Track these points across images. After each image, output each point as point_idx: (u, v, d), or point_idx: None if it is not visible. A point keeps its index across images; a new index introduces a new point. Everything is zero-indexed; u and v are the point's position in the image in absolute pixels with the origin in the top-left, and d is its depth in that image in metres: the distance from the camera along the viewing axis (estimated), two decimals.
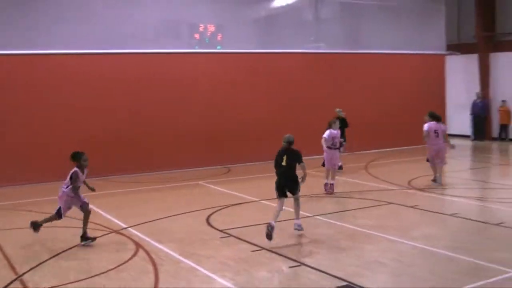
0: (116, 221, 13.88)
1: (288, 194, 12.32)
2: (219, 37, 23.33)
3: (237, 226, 13.19)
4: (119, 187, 18.70)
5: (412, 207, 14.88)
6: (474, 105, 29.85)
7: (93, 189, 12.29)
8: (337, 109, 21.16)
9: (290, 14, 25.47)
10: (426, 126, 18.00)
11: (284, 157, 12.21)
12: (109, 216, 14.31)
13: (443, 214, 14.27)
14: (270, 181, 12.09)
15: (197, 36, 22.95)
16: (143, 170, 21.02)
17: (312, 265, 10.21)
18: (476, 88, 30.26)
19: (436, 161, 17.90)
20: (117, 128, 20.79)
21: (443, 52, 28.61)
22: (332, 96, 24.79)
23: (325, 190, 17.05)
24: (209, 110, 22.44)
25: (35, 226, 11.99)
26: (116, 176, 20.36)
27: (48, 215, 12.16)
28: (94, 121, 20.43)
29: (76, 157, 11.92)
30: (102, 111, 20.58)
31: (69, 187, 11.76)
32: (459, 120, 29.90)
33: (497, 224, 12.96)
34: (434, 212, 14.43)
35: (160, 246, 11.65)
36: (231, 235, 12.37)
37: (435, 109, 27.21)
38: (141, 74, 21.28)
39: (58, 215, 11.85)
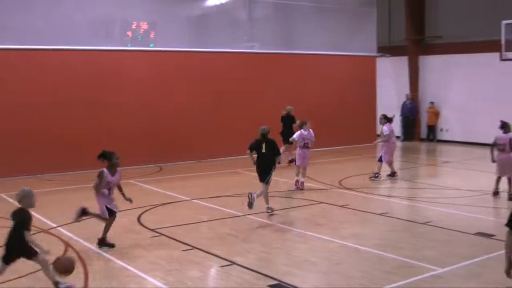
0: (44, 220, 13.61)
1: None
2: (152, 35, 23.14)
3: (168, 225, 13.12)
4: (48, 186, 18.30)
5: (342, 206, 15.08)
6: (404, 107, 30.44)
7: (129, 200, 11.75)
8: (288, 107, 21.56)
9: (223, 13, 25.47)
10: (387, 128, 19.15)
11: (263, 145, 14.00)
12: (37, 215, 14.01)
13: (373, 213, 14.50)
14: (202, 180, 12.13)
15: (129, 33, 22.70)
16: (72, 169, 20.63)
17: (244, 265, 10.24)
18: (406, 90, 30.89)
19: (392, 158, 19.04)
20: (46, 126, 20.35)
21: (374, 54, 29.08)
22: (265, 95, 24.94)
23: (296, 186, 17.47)
24: (141, 109, 22.21)
25: (83, 212, 11.53)
26: (45, 174, 19.94)
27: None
28: (18, 117, 19.90)
29: (107, 156, 11.65)
30: (28, 108, 20.09)
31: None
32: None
33: (425, 223, 13.26)
34: (364, 211, 14.67)
35: (90, 246, 11.50)
36: (162, 235, 12.30)
37: (366, 110, 27.89)
38: (71, 71, 20.89)
39: (104, 217, 11.52)
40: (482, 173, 19.39)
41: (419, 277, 9.64)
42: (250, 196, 13.64)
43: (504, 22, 22.36)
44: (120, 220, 13.09)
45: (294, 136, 17.91)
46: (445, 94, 29.57)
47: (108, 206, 11.46)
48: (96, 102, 21.30)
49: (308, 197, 16.23)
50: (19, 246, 8.65)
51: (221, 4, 25.63)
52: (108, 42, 22.15)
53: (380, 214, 14.28)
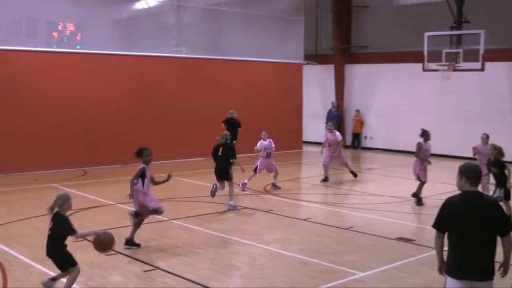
0: None
1: None
2: (78, 37, 22.79)
3: (92, 230, 12.91)
4: None
5: (267, 211, 15.18)
6: (329, 114, 30.83)
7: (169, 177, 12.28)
8: (231, 111, 21.60)
9: (152, 17, 25.37)
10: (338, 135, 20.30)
11: (220, 149, 15.62)
12: None
13: (297, 218, 14.67)
14: (126, 184, 11.95)
15: (55, 34, 22.31)
16: None
17: (167, 269, 10.21)
18: (332, 97, 31.31)
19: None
20: None
21: (301, 62, 29.40)
22: (192, 101, 24.88)
23: (242, 187, 17.96)
24: (66, 111, 21.82)
25: (135, 215, 11.80)
26: None
27: None
28: None
29: (140, 153, 12.02)
30: None
31: (139, 183, 11.79)
32: (314, 128, 30.81)
33: (347, 229, 13.48)
34: (288, 216, 14.80)
35: (10, 251, 11.26)
36: (85, 239, 12.10)
37: (292, 117, 28.14)
38: None
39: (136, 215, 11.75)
40: (404, 180, 19.83)
41: (341, 281, 9.80)
42: (213, 186, 15.63)
43: (427, 34, 22.93)
44: (40, 225, 12.86)
45: (257, 146, 18.71)
46: (369, 102, 30.14)
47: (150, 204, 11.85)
48: (18, 103, 20.82)
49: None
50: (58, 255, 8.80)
51: (150, 8, 25.51)
52: (32, 43, 21.71)
53: (304, 220, 14.44)
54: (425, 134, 16.53)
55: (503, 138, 20.44)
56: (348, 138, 31.13)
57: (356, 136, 30.90)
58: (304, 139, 30.28)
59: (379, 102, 29.57)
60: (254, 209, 15.50)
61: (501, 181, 13.91)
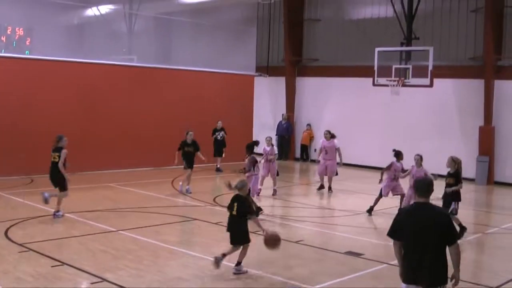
0: None
1: None
2: (28, 42, 22.39)
3: (38, 240, 12.68)
4: None
5: (216, 223, 15.10)
6: (280, 126, 30.94)
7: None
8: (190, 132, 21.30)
9: (103, 24, 25.08)
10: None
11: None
12: None
13: None
14: (74, 194, 11.83)
15: (3, 38, 21.87)
16: None
17: (115, 281, 10.07)
18: (282, 109, 31.44)
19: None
20: None
21: (253, 73, 29.42)
22: (141, 109, 24.63)
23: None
24: (13, 117, 21.39)
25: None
26: None
27: None
28: None
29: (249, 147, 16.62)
30: None
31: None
32: (264, 139, 30.78)
33: (297, 242, 13.50)
34: None
35: None
36: (31, 250, 11.87)
37: (243, 128, 28.08)
38: None
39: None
40: (353, 193, 19.99)
41: None
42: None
43: (377, 49, 23.22)
44: None
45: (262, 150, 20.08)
46: (319, 115, 30.31)
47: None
48: None
49: (182, 214, 16.16)
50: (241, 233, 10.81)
51: (101, 15, 25.21)
52: None
53: (253, 232, 14.38)
54: (397, 155, 17.13)
55: (449, 153, 20.70)
56: (297, 150, 31.26)
57: (305, 149, 31.02)
58: (254, 151, 30.22)
59: (329, 115, 29.76)
60: (203, 221, 15.42)
61: (457, 194, 14.21)
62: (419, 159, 16.12)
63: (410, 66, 22.78)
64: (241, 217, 10.73)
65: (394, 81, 22.70)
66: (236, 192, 10.87)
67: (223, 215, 16.09)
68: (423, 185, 7.38)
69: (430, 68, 21.69)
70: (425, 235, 7.08)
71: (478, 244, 14.49)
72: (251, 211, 11.12)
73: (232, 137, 25.89)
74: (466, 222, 15.95)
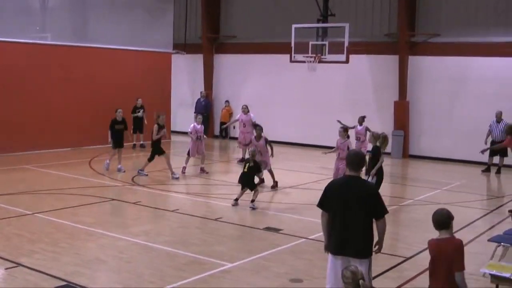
0: None
1: None
2: None
3: None
4: None
5: (135, 203, 14.95)
6: (198, 104, 30.77)
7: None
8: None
9: (15, 0, 24.18)
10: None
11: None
12: None
13: (165, 210, 14.54)
14: None
15: None
16: None
17: (30, 266, 9.82)
18: (201, 87, 31.27)
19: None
20: None
21: (170, 51, 29.12)
22: (57, 88, 24.01)
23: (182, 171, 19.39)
24: None
25: None
26: None
27: None
28: None
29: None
30: None
31: None
32: (183, 117, 30.65)
33: (216, 219, 13.51)
34: (156, 208, 14.67)
35: None
36: None
37: (160, 106, 27.76)
38: None
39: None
40: (275, 170, 20.06)
41: (209, 272, 9.81)
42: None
43: (294, 25, 23.29)
44: None
45: (189, 129, 20.10)
46: (238, 93, 30.28)
47: None
48: None
49: (99, 194, 15.87)
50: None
51: None
52: None
53: (172, 211, 14.33)
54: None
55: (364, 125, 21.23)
56: (217, 128, 31.21)
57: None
58: (172, 128, 30.03)
59: (247, 92, 29.77)
60: (122, 201, 15.24)
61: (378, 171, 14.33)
62: (342, 131, 16.41)
63: (327, 43, 22.95)
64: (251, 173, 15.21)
65: (311, 57, 22.84)
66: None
67: (142, 195, 16.06)
68: (355, 159, 7.51)
69: (346, 44, 21.91)
70: (353, 208, 7.24)
71: (394, 216, 14.83)
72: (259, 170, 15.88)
73: (150, 115, 25.60)
74: (383, 195, 16.26)
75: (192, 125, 20.22)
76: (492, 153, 21.38)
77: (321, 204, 7.56)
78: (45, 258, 10.34)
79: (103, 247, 11.11)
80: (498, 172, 21.64)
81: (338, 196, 7.37)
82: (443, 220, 6.72)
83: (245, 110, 22.43)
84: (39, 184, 16.95)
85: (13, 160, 21.11)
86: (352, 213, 7.25)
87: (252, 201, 14.81)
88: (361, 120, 21.03)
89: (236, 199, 15.02)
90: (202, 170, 19.93)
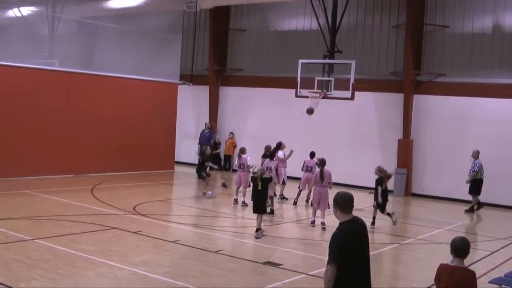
0: None
1: None
2: None
3: None
4: None
5: (135, 232, 14.91)
6: (202, 135, 30.84)
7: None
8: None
9: (24, 26, 24.44)
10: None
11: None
12: None
13: (166, 240, 14.49)
14: None
15: None
16: None
17: None
18: (206, 118, 31.38)
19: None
20: None
21: (177, 81, 29.27)
22: (62, 114, 24.09)
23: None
24: None
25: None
26: None
27: None
28: None
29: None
30: None
31: None
32: (187, 148, 30.75)
33: (216, 252, 13.46)
34: (157, 238, 14.61)
35: None
36: None
37: (165, 136, 27.89)
38: None
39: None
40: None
41: None
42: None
43: (301, 61, 23.43)
44: None
45: (248, 161, 20.42)
46: (242, 125, 30.41)
47: None
48: None
49: (100, 222, 15.86)
50: None
51: (23, 16, 24.62)
52: None
53: (172, 242, 14.29)
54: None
55: (368, 165, 21.30)
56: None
57: (228, 158, 31.04)
58: (176, 159, 30.11)
59: (252, 125, 29.89)
60: (122, 230, 15.19)
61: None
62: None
63: (333, 79, 23.05)
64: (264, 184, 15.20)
65: (317, 93, 22.92)
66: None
67: (143, 224, 16.02)
68: (345, 201, 6.84)
69: (351, 81, 22.01)
70: (366, 252, 6.86)
71: (395, 255, 14.74)
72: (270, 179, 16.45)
73: (154, 145, 25.74)
74: (384, 232, 16.34)
75: (248, 157, 20.67)
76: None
77: (338, 258, 6.63)
78: (44, 284, 10.28)
79: (102, 276, 11.06)
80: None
81: (354, 246, 6.77)
82: (464, 248, 6.54)
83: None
84: (40, 209, 16.94)
85: (15, 184, 21.14)
86: (366, 257, 6.93)
87: (257, 230, 14.96)
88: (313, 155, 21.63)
89: (257, 230, 15.07)
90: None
